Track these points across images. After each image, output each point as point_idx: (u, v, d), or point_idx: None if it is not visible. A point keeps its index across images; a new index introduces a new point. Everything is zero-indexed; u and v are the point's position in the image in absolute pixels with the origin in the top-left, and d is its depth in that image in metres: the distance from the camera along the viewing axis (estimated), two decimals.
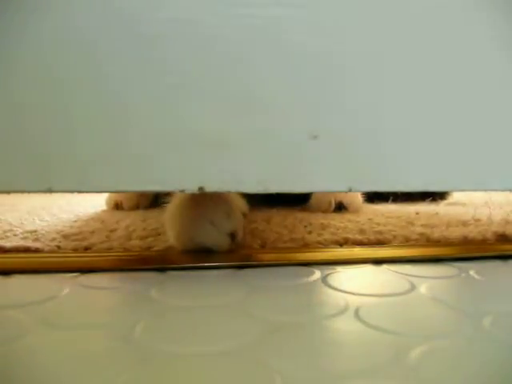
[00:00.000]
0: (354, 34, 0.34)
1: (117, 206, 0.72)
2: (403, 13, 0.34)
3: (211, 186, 0.32)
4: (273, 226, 0.56)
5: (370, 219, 0.59)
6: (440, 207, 0.77)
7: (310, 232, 0.51)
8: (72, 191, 0.31)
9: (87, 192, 0.31)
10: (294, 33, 0.33)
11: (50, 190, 0.30)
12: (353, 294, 0.32)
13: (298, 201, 0.76)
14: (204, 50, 0.32)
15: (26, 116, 0.31)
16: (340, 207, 0.71)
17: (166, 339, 0.24)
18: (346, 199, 0.71)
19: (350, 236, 0.48)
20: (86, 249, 0.44)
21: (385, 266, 0.40)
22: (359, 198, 0.74)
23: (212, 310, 0.29)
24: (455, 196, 0.91)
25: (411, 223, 0.56)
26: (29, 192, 0.31)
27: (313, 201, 0.74)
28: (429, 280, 0.36)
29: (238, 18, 0.32)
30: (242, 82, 0.32)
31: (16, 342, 0.24)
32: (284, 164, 0.33)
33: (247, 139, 0.32)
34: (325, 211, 0.70)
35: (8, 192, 0.31)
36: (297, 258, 0.42)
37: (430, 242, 0.47)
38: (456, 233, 0.49)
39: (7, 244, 0.43)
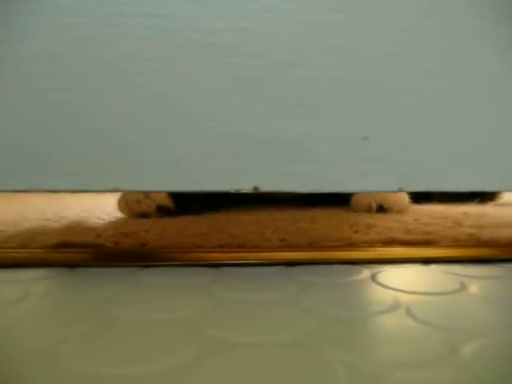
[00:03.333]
0: (404, 36, 0.34)
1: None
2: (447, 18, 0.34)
3: (265, 186, 0.34)
4: (318, 225, 0.57)
5: (416, 219, 0.59)
6: (489, 208, 0.76)
7: (356, 231, 0.52)
8: (137, 190, 0.34)
9: (151, 191, 0.33)
10: (346, 37, 0.34)
11: (117, 190, 0.33)
12: (403, 291, 0.33)
13: (340, 201, 0.77)
14: (259, 56, 0.34)
15: (96, 118, 0.34)
16: (381, 208, 0.71)
17: (226, 329, 0.26)
18: (386, 200, 0.71)
19: (397, 236, 0.48)
20: (143, 245, 0.47)
21: (434, 266, 0.41)
22: (404, 198, 0.74)
23: (267, 303, 0.31)
24: (505, 197, 0.88)
25: (459, 224, 0.56)
26: (98, 191, 0.34)
27: (353, 202, 0.74)
28: (479, 280, 0.36)
29: (291, 24, 0.34)
30: (296, 86, 0.34)
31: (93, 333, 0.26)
32: (336, 164, 0.34)
33: (300, 141, 0.34)
34: (366, 212, 0.71)
35: (78, 191, 0.34)
36: (344, 256, 0.43)
37: (479, 242, 0.47)
38: (506, 234, 0.49)
39: (73, 239, 0.46)
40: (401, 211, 0.71)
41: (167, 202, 0.67)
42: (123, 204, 0.67)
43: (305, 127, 0.34)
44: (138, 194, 0.65)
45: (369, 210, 0.71)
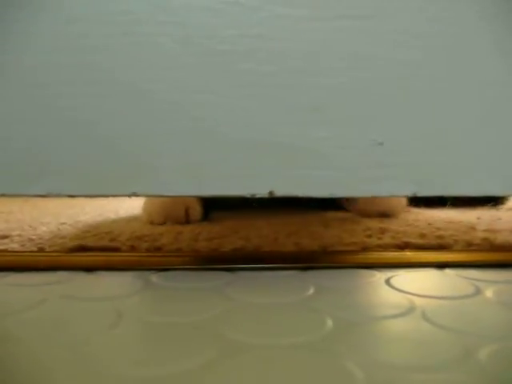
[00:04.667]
0: (417, 43, 0.35)
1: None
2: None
3: (280, 191, 0.34)
4: (331, 229, 0.57)
5: (430, 224, 0.59)
6: (502, 212, 0.76)
7: (369, 236, 0.52)
8: (154, 195, 0.34)
9: (167, 196, 0.34)
10: (358, 43, 0.35)
11: (134, 194, 0.33)
12: (418, 295, 0.33)
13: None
14: (272, 63, 0.35)
15: (112, 124, 0.34)
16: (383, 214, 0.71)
17: (242, 332, 0.26)
18: (386, 206, 0.72)
19: (411, 240, 0.48)
20: (157, 249, 0.47)
21: (448, 270, 0.41)
22: (402, 203, 0.73)
23: (283, 306, 0.31)
24: None
25: (473, 228, 0.56)
26: (115, 196, 0.34)
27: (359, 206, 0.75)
28: (494, 284, 0.36)
29: (303, 31, 0.34)
30: (310, 92, 0.34)
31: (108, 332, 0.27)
32: (350, 170, 0.34)
33: (314, 147, 0.34)
34: (368, 217, 0.70)
35: (96, 196, 0.35)
36: (359, 260, 0.44)
37: (493, 247, 0.47)
38: None
39: (88, 243, 0.47)
40: (396, 216, 0.70)
41: (200, 208, 0.67)
42: (159, 211, 0.66)
43: (319, 133, 0.34)
44: (176, 200, 0.65)
45: (371, 214, 0.71)
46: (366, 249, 0.47)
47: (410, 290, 0.34)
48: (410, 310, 0.30)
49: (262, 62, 0.35)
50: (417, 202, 0.81)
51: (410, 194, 0.36)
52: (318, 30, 0.35)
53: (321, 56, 0.35)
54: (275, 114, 0.34)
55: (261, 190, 0.34)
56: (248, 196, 0.34)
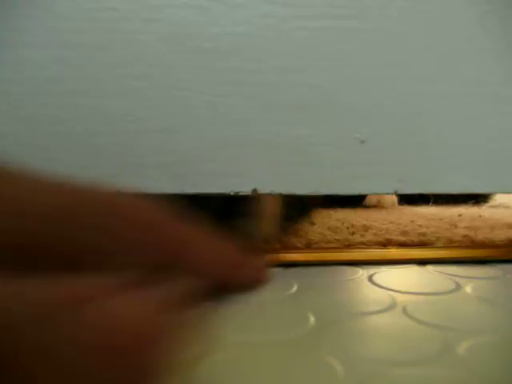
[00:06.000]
0: (401, 42, 0.35)
1: None
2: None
3: (264, 189, 0.34)
4: (316, 227, 0.57)
5: (412, 221, 0.60)
6: (483, 210, 0.77)
7: (352, 233, 0.53)
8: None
9: (150, 193, 0.34)
10: (342, 42, 0.35)
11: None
12: (399, 292, 0.34)
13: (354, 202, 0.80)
14: (257, 61, 0.35)
15: (94, 121, 0.34)
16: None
17: (225, 328, 0.26)
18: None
19: (393, 237, 0.49)
20: None
21: (429, 267, 0.41)
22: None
23: (266, 305, 0.31)
24: (498, 199, 0.89)
25: (454, 225, 0.56)
26: None
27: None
28: (474, 280, 0.37)
29: (289, 30, 0.35)
30: (294, 90, 0.34)
31: None
32: (334, 167, 0.35)
33: (299, 144, 0.34)
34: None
35: None
36: (341, 257, 0.44)
37: (474, 244, 0.48)
38: (501, 235, 0.50)
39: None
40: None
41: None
42: None
43: (303, 130, 0.35)
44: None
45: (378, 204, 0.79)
46: (349, 246, 0.48)
47: (391, 287, 0.35)
48: (391, 307, 0.30)
49: (247, 60, 0.35)
50: (400, 199, 0.82)
51: (392, 191, 0.36)
52: (303, 29, 0.35)
53: (306, 55, 0.35)
54: (259, 111, 0.34)
55: (244, 188, 0.34)
56: (232, 194, 0.34)
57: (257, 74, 0.34)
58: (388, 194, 0.38)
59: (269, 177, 0.34)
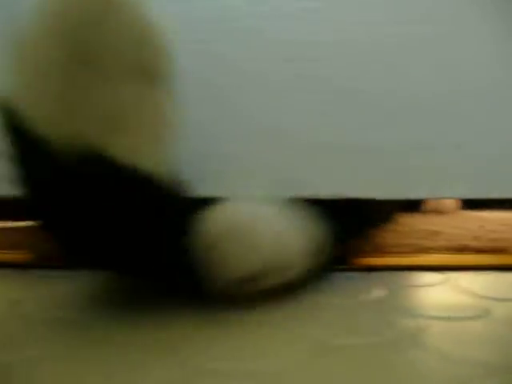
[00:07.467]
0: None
1: None
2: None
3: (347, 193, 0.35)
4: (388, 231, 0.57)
5: (481, 226, 0.59)
6: None
7: (424, 238, 0.52)
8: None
9: None
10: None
11: None
12: (492, 298, 0.33)
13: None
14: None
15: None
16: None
17: (322, 330, 0.27)
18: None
19: (467, 242, 0.48)
20: None
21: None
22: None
23: (356, 307, 0.31)
24: None
25: None
26: None
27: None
28: None
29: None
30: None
31: None
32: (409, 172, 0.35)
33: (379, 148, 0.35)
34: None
35: None
36: (417, 262, 0.44)
37: None
38: None
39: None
40: None
41: None
42: None
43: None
44: None
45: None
46: (421, 251, 0.47)
47: (478, 292, 0.34)
48: (484, 313, 0.30)
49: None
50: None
51: (474, 196, 0.36)
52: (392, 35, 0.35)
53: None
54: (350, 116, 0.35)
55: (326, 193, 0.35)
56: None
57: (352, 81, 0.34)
58: (466, 198, 0.38)
59: (352, 182, 0.34)
